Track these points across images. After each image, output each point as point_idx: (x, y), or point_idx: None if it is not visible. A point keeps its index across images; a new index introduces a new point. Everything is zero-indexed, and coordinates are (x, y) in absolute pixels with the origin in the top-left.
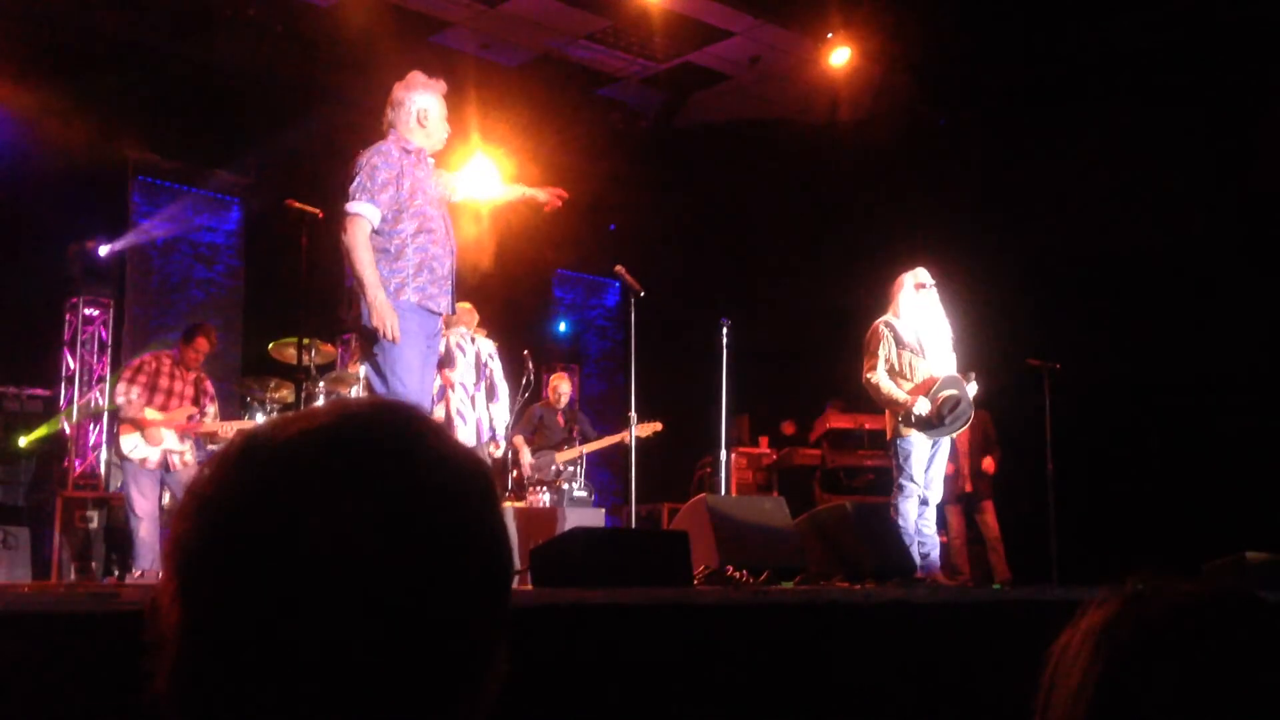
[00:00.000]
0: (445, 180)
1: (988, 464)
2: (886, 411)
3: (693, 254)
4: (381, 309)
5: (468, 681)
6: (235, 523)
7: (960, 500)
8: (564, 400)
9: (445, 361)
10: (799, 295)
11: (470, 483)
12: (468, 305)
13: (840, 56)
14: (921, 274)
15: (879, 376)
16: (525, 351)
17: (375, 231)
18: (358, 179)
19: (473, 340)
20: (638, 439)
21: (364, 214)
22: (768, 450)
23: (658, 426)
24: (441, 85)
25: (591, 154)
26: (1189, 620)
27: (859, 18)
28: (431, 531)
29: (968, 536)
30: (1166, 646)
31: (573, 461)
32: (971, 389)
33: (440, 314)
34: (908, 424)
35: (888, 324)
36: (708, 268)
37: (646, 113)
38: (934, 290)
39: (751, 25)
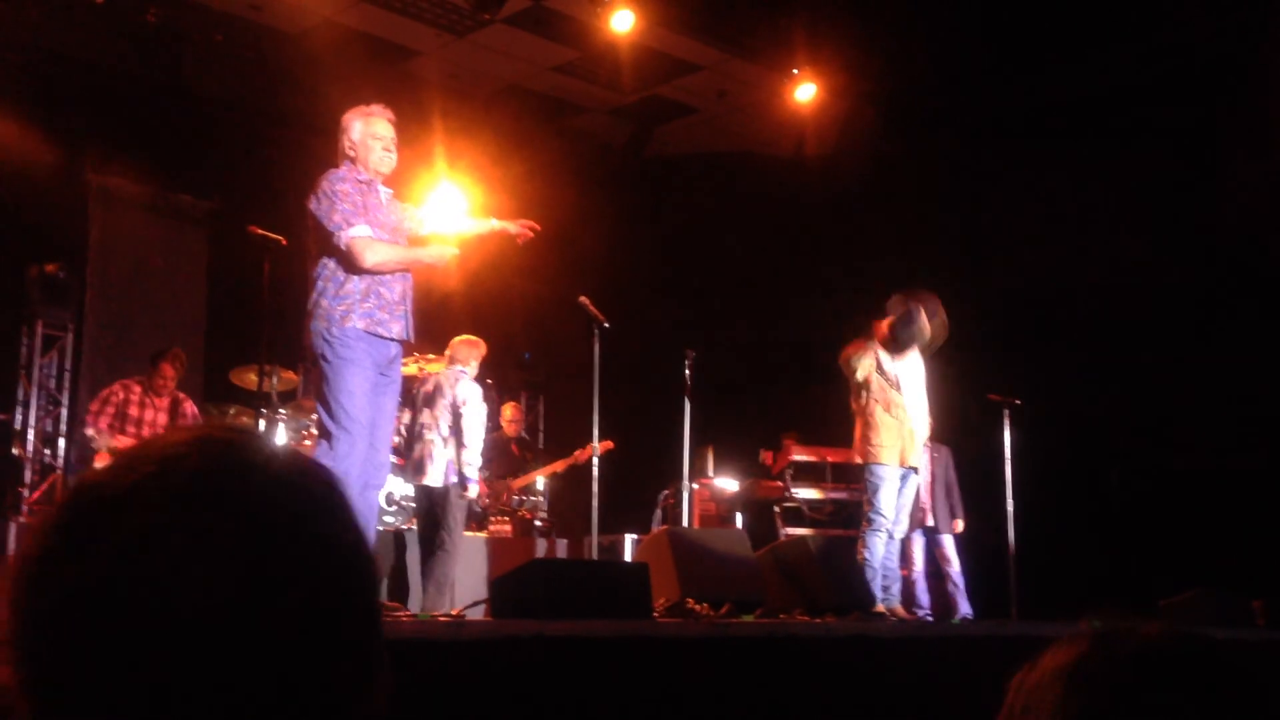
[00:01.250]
0: (409, 212)
1: (956, 526)
2: (857, 438)
3: (658, 285)
4: (430, 255)
5: (334, 715)
6: (56, 581)
7: (923, 533)
8: (516, 429)
9: (428, 400)
10: (763, 328)
11: (310, 504)
12: (471, 338)
13: (806, 92)
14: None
15: (860, 361)
16: (489, 380)
17: (326, 255)
18: (339, 206)
19: (456, 383)
20: (590, 460)
21: (362, 234)
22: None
23: (609, 444)
24: (387, 112)
25: (558, 184)
26: (1160, 663)
27: (825, 54)
28: (269, 562)
29: (928, 570)
30: (1141, 688)
31: (530, 491)
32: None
33: (393, 339)
34: (878, 451)
35: (876, 351)
36: (672, 299)
37: (614, 144)
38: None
39: (719, 60)
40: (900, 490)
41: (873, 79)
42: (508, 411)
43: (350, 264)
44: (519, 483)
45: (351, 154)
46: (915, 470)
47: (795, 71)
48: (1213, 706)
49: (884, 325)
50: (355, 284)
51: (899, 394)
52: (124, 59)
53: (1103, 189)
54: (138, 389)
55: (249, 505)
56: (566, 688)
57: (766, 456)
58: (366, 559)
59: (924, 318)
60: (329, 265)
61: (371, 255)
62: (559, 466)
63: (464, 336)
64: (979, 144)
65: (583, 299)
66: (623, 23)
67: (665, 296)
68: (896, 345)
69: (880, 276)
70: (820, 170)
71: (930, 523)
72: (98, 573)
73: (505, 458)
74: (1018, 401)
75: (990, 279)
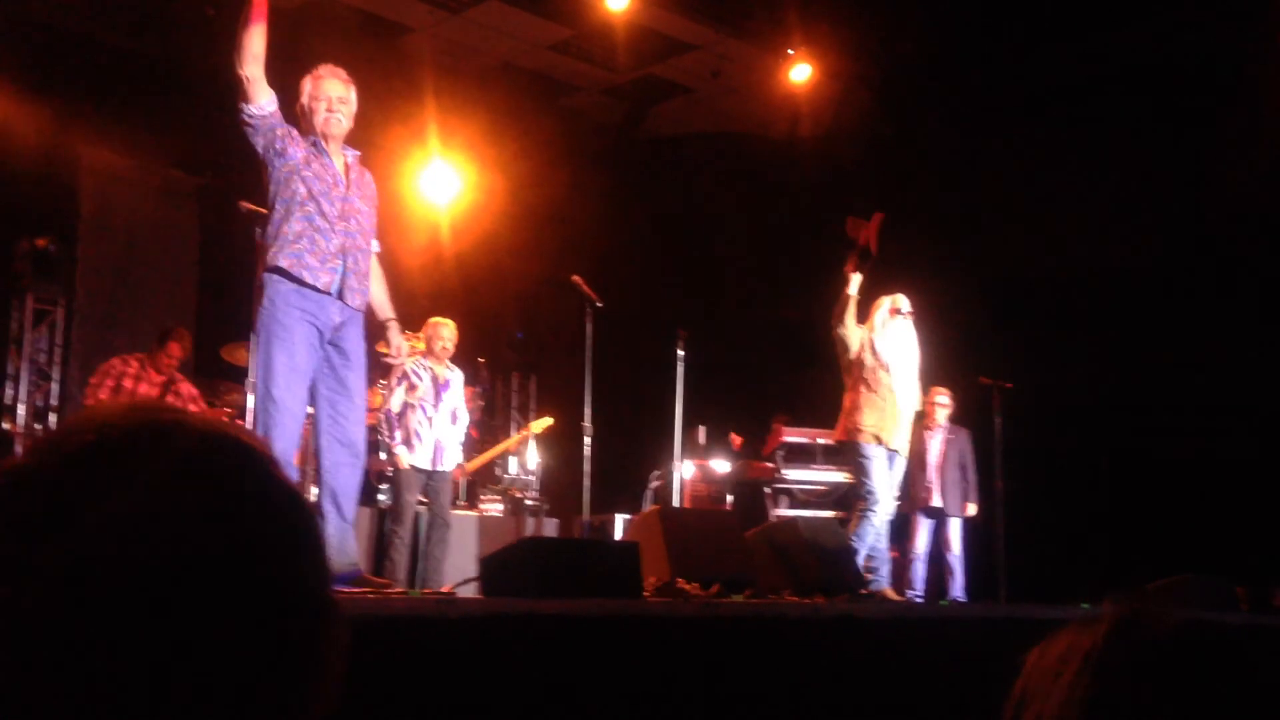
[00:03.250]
0: (370, 186)
1: (967, 510)
2: (841, 412)
3: (651, 265)
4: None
5: (271, 696)
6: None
7: (928, 515)
8: (476, 413)
9: (409, 386)
10: (756, 309)
11: (239, 460)
12: (443, 320)
13: (801, 73)
14: (901, 300)
15: (848, 326)
16: (480, 359)
17: (268, 199)
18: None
19: (429, 368)
20: (531, 435)
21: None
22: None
23: (549, 422)
24: (339, 72)
25: (552, 163)
26: (1182, 650)
27: (820, 35)
28: (191, 531)
29: (930, 553)
30: (1164, 675)
31: (524, 470)
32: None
33: (319, 290)
34: (865, 432)
35: (872, 333)
36: (666, 279)
37: (608, 124)
38: (910, 318)
39: (714, 40)
40: (889, 470)
41: (868, 60)
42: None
43: (248, 97)
44: (473, 466)
45: (303, 114)
46: (898, 452)
47: (790, 52)
48: (1233, 695)
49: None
50: (290, 226)
51: (888, 375)
52: (115, 33)
53: (1097, 172)
54: (135, 364)
55: (176, 461)
56: (556, 666)
57: (735, 440)
58: (301, 525)
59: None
60: (275, 213)
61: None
62: (507, 448)
63: (438, 319)
64: (974, 126)
65: (575, 278)
66: (618, 1)
67: (658, 276)
68: (864, 257)
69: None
70: (815, 151)
71: (936, 503)
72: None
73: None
74: (1009, 385)
75: (984, 262)
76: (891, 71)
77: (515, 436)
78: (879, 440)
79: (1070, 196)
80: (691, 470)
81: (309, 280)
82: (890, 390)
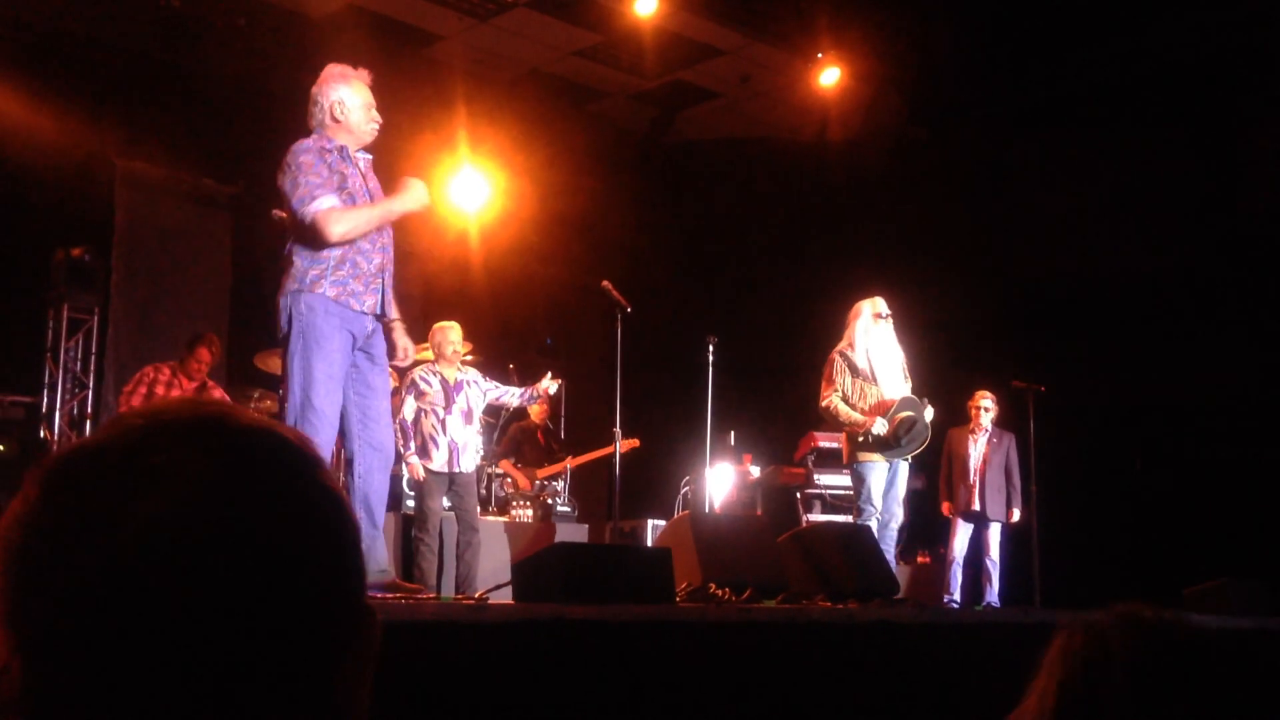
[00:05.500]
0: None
1: (1012, 515)
2: (844, 435)
3: (680, 271)
4: (400, 203)
5: (312, 688)
6: (29, 538)
7: (969, 519)
8: (542, 417)
9: (418, 393)
10: (786, 313)
11: (292, 461)
12: (448, 324)
13: (830, 76)
14: (879, 304)
15: (835, 402)
16: (511, 366)
17: (298, 230)
18: (303, 179)
19: (437, 372)
20: (626, 450)
21: (326, 206)
22: (752, 466)
23: (635, 443)
24: (363, 74)
25: (580, 169)
26: (1178, 649)
27: (849, 38)
28: (240, 523)
29: (968, 557)
30: (1158, 672)
31: (557, 476)
32: (928, 414)
33: (365, 313)
34: (866, 448)
35: (841, 354)
36: (695, 284)
37: (636, 129)
38: (889, 321)
39: (742, 44)
40: (890, 481)
41: (897, 63)
42: (534, 405)
43: (319, 239)
44: (544, 471)
45: (339, 119)
46: (906, 460)
47: (819, 56)
48: (1221, 693)
49: (885, 417)
50: (330, 252)
51: (876, 386)
52: (148, 43)
53: (1130, 175)
54: (167, 371)
55: (221, 455)
56: (588, 671)
57: (746, 459)
58: (342, 523)
59: (924, 417)
60: (300, 231)
61: (338, 227)
62: (588, 458)
63: (444, 324)
64: (1003, 129)
65: (605, 283)
66: (646, 6)
67: (687, 282)
68: (897, 450)
69: (905, 262)
70: (843, 156)
71: (976, 508)
72: (66, 536)
73: (533, 446)
74: (1042, 388)
75: (1015, 265)
76: (921, 75)
77: (613, 447)
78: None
79: (1102, 199)
80: (724, 475)
81: (356, 307)
82: (880, 399)
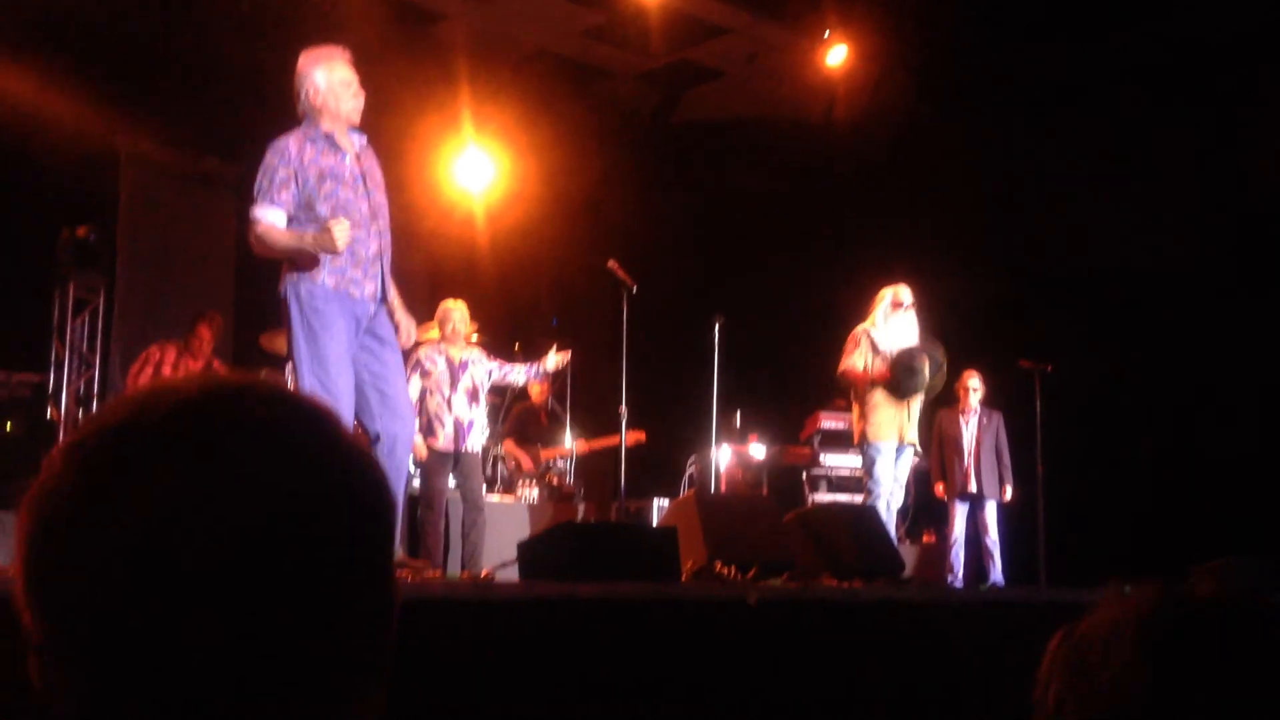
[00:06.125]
0: (379, 171)
1: (1005, 494)
2: (854, 414)
3: (687, 251)
4: (314, 241)
5: (344, 673)
6: (61, 515)
7: (965, 499)
8: (544, 398)
9: (423, 372)
10: (793, 293)
11: (334, 437)
12: (453, 303)
13: (837, 55)
14: (902, 294)
15: (850, 362)
16: (516, 346)
17: (291, 219)
18: (258, 181)
19: (442, 352)
20: (633, 442)
21: (265, 218)
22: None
23: (641, 436)
24: (340, 52)
25: (586, 149)
26: (1242, 625)
27: (857, 17)
28: (279, 499)
29: (967, 536)
30: (1222, 649)
31: (562, 456)
32: (930, 366)
33: (365, 299)
34: (877, 420)
35: (866, 332)
36: (701, 265)
37: (642, 109)
38: (911, 311)
39: (749, 23)
40: (896, 462)
41: (906, 42)
42: (535, 386)
43: (247, 237)
44: (549, 453)
45: (318, 105)
46: (912, 445)
47: (826, 34)
48: (1244, 667)
49: (886, 369)
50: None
51: None
52: (152, 23)
53: (1140, 157)
54: (173, 351)
55: (248, 425)
56: (593, 649)
57: (752, 439)
58: (378, 495)
59: (927, 369)
60: (294, 227)
61: (257, 243)
62: (596, 445)
63: (450, 302)
64: (1013, 109)
65: (611, 263)
66: None
67: (693, 262)
68: (899, 393)
69: (911, 243)
70: (851, 136)
71: (973, 489)
72: (95, 508)
73: (536, 426)
74: (1049, 368)
75: (1023, 244)
76: (930, 53)
77: (625, 435)
78: (897, 438)
79: (1111, 182)
80: (728, 455)
81: (355, 294)
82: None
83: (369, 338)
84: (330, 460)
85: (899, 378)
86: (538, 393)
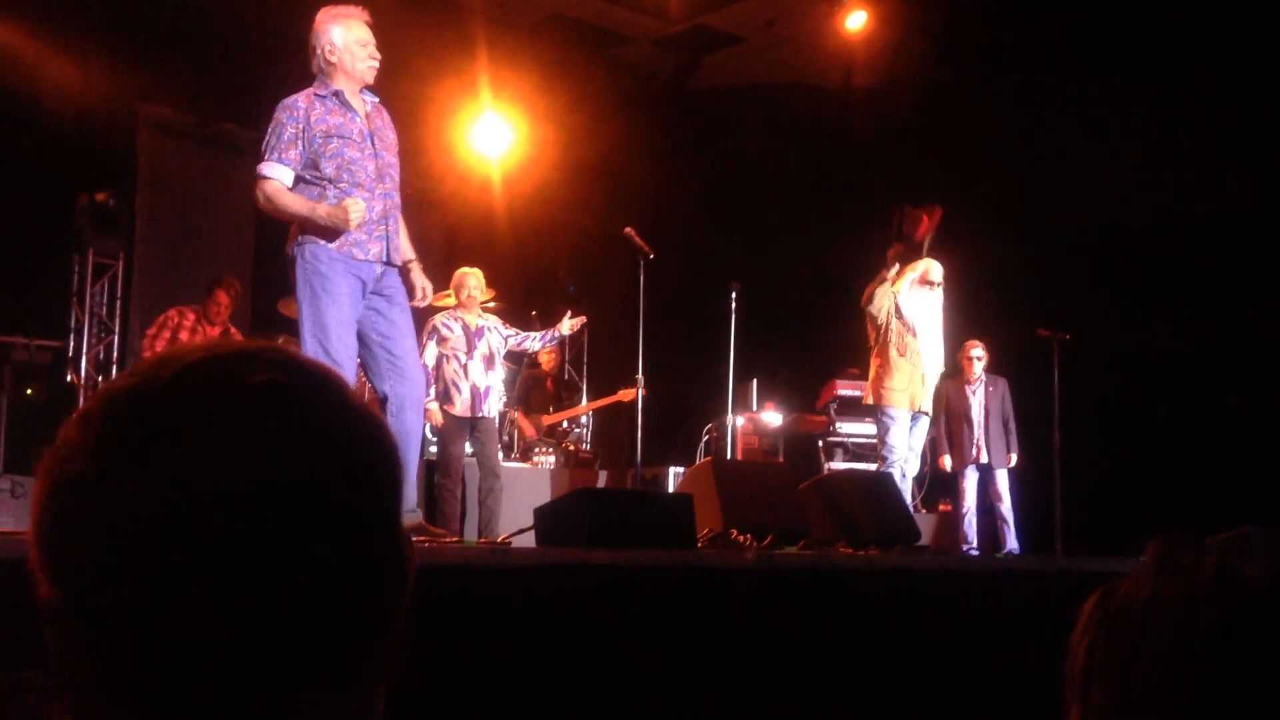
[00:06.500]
0: (392, 131)
1: (1010, 460)
2: (870, 378)
3: (703, 217)
4: (327, 215)
5: (358, 635)
6: (73, 482)
7: (977, 469)
8: (552, 366)
9: (440, 339)
10: (810, 261)
11: (344, 401)
12: (470, 270)
13: (856, 20)
14: (934, 272)
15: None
16: (533, 313)
17: (298, 178)
18: (267, 138)
19: (459, 318)
20: (628, 400)
21: (273, 175)
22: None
23: (643, 392)
24: (358, 11)
25: (603, 115)
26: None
27: None
28: (291, 463)
29: (980, 505)
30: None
31: (572, 424)
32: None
33: (370, 260)
34: (891, 385)
35: (897, 294)
36: (718, 232)
37: (659, 74)
38: (940, 290)
39: None
40: (911, 430)
41: (924, 7)
42: (545, 351)
43: (254, 196)
44: (550, 419)
45: (332, 61)
46: (925, 414)
47: None
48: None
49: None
50: (330, 202)
51: (915, 339)
52: None
53: (1158, 121)
54: (191, 316)
55: (263, 386)
56: (609, 615)
57: (768, 407)
58: (387, 455)
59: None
60: (299, 187)
61: (266, 201)
62: (599, 404)
63: (466, 269)
64: (1031, 74)
65: (628, 230)
66: None
67: (711, 229)
68: (913, 250)
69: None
70: (870, 101)
71: (984, 459)
72: (113, 473)
73: (541, 394)
74: (1067, 336)
75: (1042, 212)
76: (949, 17)
77: (607, 399)
78: (909, 404)
79: (1131, 145)
80: (744, 423)
81: (359, 255)
82: (917, 353)
83: (376, 298)
84: (337, 423)
85: (905, 228)
86: (547, 360)
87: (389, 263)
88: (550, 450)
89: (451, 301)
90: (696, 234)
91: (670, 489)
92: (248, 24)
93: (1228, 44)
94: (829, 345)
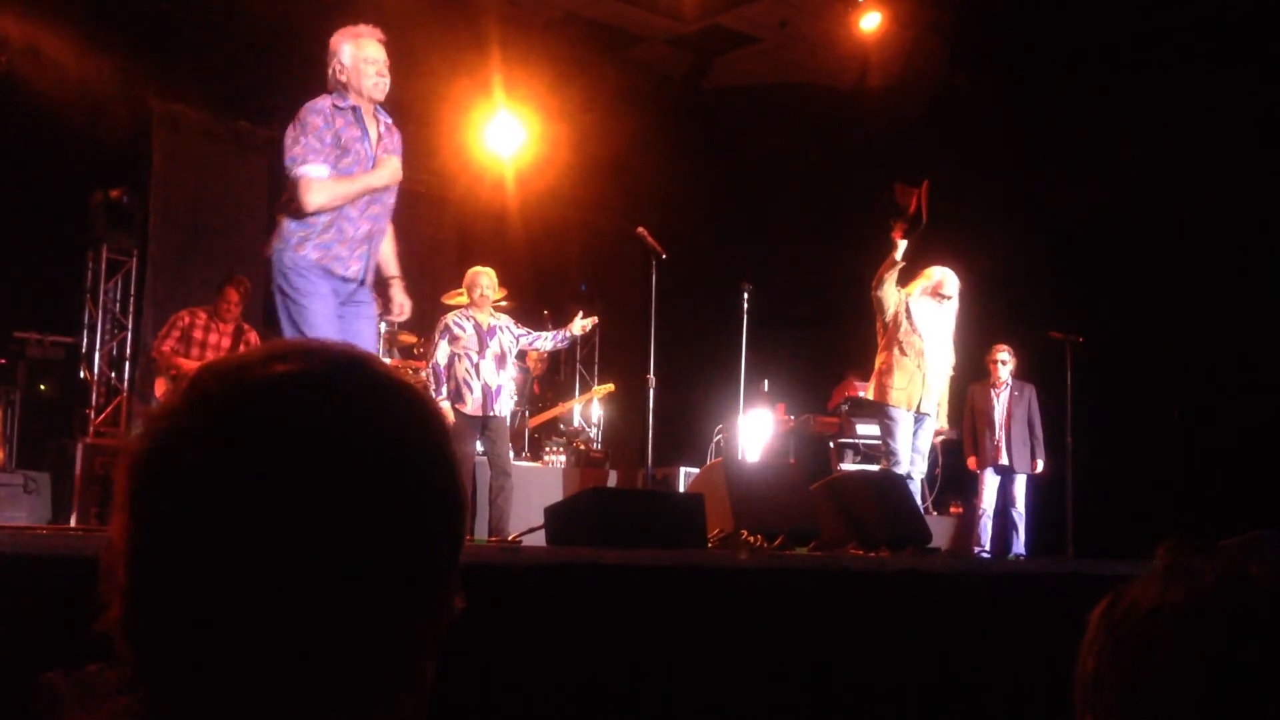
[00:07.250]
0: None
1: (1035, 467)
2: (873, 372)
3: (716, 218)
4: (379, 177)
5: (419, 620)
6: (188, 448)
7: (997, 471)
8: (540, 369)
9: (452, 338)
10: (822, 262)
11: (417, 417)
12: (482, 269)
13: (871, 21)
14: (948, 285)
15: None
16: (545, 312)
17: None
18: (303, 140)
19: (471, 317)
20: (595, 397)
21: (313, 175)
22: (784, 416)
23: (610, 388)
24: (376, 32)
25: (616, 114)
26: None
27: None
28: (383, 459)
29: (997, 508)
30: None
31: (588, 422)
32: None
33: (346, 278)
34: (897, 366)
35: (908, 296)
36: (730, 232)
37: (673, 74)
38: (951, 303)
39: None
40: (915, 433)
41: (939, 7)
42: (534, 353)
43: (296, 202)
44: (535, 421)
45: (343, 79)
46: (928, 415)
47: (860, 0)
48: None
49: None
50: (319, 217)
51: (922, 340)
52: None
53: (1172, 123)
54: (203, 315)
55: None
56: (619, 615)
57: (780, 408)
58: (449, 476)
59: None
60: (290, 196)
61: (316, 197)
62: (573, 403)
63: (479, 268)
64: (1047, 75)
65: (640, 230)
66: None
67: (723, 229)
68: (914, 225)
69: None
70: (884, 102)
71: (1004, 461)
72: (232, 449)
73: (527, 396)
74: (1080, 339)
75: (1055, 214)
76: (963, 18)
77: (577, 399)
78: (908, 404)
79: (1144, 148)
80: (756, 423)
81: (339, 272)
82: (922, 355)
83: (344, 308)
84: (432, 423)
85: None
86: (535, 366)
87: (362, 282)
88: (562, 450)
89: (464, 300)
90: (709, 234)
91: (681, 489)
92: (263, 22)
93: (1246, 48)
94: (840, 346)
